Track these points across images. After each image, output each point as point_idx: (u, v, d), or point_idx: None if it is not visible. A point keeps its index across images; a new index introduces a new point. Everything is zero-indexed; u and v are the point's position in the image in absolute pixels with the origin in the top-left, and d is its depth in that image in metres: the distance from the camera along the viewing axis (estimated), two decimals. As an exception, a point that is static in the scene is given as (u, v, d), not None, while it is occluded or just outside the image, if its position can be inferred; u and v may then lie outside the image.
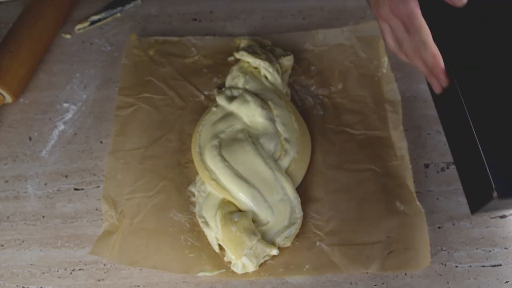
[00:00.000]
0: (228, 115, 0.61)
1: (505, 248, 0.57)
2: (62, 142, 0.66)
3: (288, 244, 0.55)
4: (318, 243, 0.55)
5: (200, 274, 0.54)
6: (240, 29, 0.76)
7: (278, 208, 0.55)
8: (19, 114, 0.68)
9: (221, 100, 0.63)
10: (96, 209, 0.60)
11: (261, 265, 0.54)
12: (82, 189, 0.62)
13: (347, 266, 0.54)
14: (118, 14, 0.78)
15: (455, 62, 0.51)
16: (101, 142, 0.65)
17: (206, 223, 0.55)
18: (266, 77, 0.65)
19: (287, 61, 0.68)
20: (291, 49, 0.70)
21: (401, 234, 0.55)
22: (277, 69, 0.66)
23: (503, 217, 0.59)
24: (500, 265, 0.56)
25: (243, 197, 0.55)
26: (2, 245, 0.58)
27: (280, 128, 0.60)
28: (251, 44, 0.69)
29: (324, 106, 0.66)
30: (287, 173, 0.58)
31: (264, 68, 0.65)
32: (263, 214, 0.55)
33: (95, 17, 0.77)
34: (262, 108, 0.60)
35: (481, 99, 0.51)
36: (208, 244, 0.55)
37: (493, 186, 0.46)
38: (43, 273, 0.56)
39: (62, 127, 0.67)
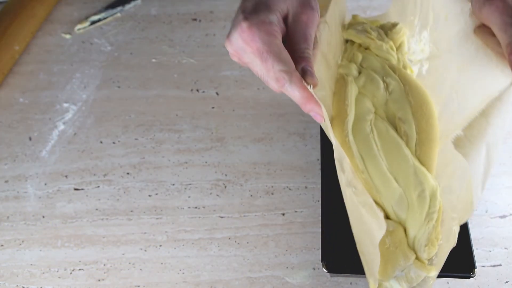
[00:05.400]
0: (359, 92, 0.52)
1: (505, 248, 0.57)
2: (62, 142, 0.66)
3: (434, 251, 0.44)
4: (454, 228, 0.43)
5: None
6: (240, 29, 0.76)
7: (414, 209, 0.44)
8: (19, 114, 0.68)
9: (351, 70, 0.54)
10: (96, 209, 0.60)
11: None
12: (82, 189, 0.62)
13: None
14: (118, 14, 0.78)
15: None
16: (101, 142, 0.65)
17: None
18: (377, 55, 0.56)
19: (396, 33, 0.58)
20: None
21: None
22: (391, 46, 0.57)
23: (503, 217, 0.59)
24: (500, 265, 0.56)
25: (389, 199, 0.45)
26: (2, 245, 0.58)
27: (392, 106, 0.50)
28: (361, 21, 0.60)
29: None
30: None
31: (375, 48, 0.56)
32: (402, 219, 0.45)
33: (95, 17, 0.77)
34: (384, 89, 0.51)
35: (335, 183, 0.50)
36: None
37: (324, 261, 0.49)
38: (43, 273, 0.56)
39: (62, 127, 0.67)
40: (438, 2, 0.52)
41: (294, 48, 0.40)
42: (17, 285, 0.55)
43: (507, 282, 0.55)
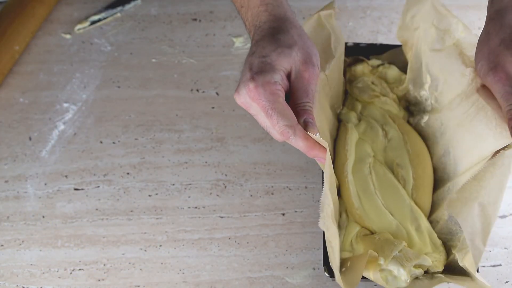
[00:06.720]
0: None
1: (505, 248, 0.57)
2: (62, 142, 0.66)
3: (441, 268, 0.48)
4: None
5: None
6: (240, 29, 0.76)
7: (415, 240, 0.49)
8: (19, 114, 0.68)
9: (350, 118, 0.59)
10: (96, 209, 0.60)
11: None
12: (82, 189, 0.62)
13: None
14: (118, 14, 0.78)
15: None
16: (101, 142, 0.65)
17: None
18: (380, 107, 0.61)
19: (401, 91, 0.62)
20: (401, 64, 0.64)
21: None
22: (394, 100, 0.61)
23: (503, 217, 0.59)
24: (500, 265, 0.56)
25: (385, 231, 0.50)
26: (2, 245, 0.58)
27: (390, 152, 0.55)
28: (361, 75, 0.62)
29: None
30: None
31: (379, 103, 0.60)
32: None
33: (95, 17, 0.77)
34: (383, 136, 0.56)
35: None
36: None
37: (326, 266, 0.49)
38: (43, 273, 0.56)
39: (62, 127, 0.67)
40: (435, 68, 0.55)
41: (297, 102, 0.44)
42: (17, 285, 0.55)
43: (507, 282, 0.55)
